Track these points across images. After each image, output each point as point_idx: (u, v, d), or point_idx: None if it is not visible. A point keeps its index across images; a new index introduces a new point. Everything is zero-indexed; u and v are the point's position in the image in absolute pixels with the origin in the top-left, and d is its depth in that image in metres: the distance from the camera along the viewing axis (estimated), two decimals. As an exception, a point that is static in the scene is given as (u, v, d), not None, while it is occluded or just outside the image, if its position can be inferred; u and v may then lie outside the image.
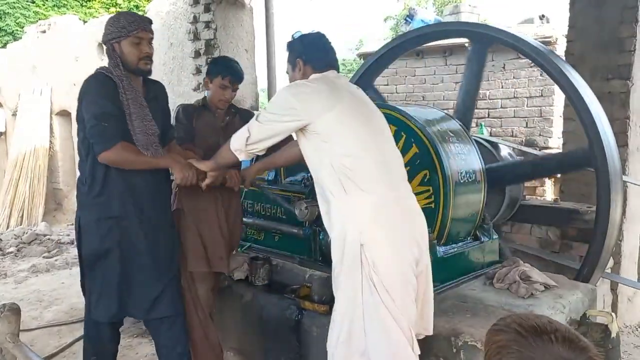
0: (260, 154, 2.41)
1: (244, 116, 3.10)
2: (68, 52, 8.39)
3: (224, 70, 2.97)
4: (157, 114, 2.63)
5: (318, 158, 2.19)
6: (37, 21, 10.68)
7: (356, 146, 2.13)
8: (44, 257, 6.40)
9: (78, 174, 2.66)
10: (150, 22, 2.58)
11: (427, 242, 2.24)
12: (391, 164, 2.22)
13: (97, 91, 2.45)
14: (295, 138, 2.37)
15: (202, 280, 2.94)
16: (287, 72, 2.45)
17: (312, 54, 2.35)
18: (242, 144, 2.30)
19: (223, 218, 2.98)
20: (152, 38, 2.59)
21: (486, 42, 3.68)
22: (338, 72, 2.39)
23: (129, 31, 2.48)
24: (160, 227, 2.62)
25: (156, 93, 2.73)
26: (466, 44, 7.35)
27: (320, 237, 3.13)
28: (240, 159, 2.40)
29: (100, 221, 2.48)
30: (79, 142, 2.55)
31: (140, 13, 12.15)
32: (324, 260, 3.08)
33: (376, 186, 2.12)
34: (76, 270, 5.69)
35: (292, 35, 2.45)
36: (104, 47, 2.59)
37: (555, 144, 6.81)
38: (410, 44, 4.19)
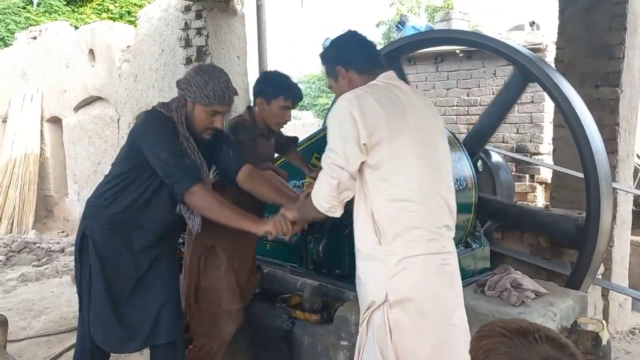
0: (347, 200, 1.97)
1: (288, 140, 3.05)
2: (59, 59, 8.36)
3: (287, 92, 2.81)
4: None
5: (360, 194, 1.89)
6: (28, 27, 10.64)
7: (409, 189, 1.84)
8: (33, 265, 6.35)
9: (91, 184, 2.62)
10: (235, 94, 2.46)
11: (461, 303, 2.00)
12: (440, 210, 1.92)
13: (168, 131, 2.37)
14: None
15: (230, 317, 2.81)
16: (331, 87, 2.16)
17: (351, 55, 2.03)
18: (336, 200, 1.89)
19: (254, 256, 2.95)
20: (228, 111, 2.50)
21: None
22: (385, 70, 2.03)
23: (210, 102, 2.38)
24: (165, 255, 2.59)
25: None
26: (457, 51, 7.40)
27: (312, 245, 3.11)
28: (336, 215, 1.96)
29: (104, 243, 2.44)
30: (119, 161, 2.50)
31: (132, 18, 12.11)
32: (316, 268, 3.07)
33: (419, 241, 1.84)
34: (66, 279, 5.66)
35: (322, 45, 2.21)
36: (178, 91, 2.46)
37: (546, 149, 6.84)
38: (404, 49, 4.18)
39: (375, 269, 1.87)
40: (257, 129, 2.88)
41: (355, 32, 2.14)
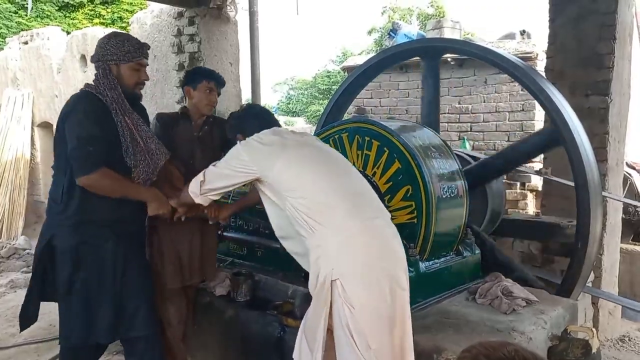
0: (214, 198, 2.47)
1: (220, 124, 3.14)
2: (50, 64, 8.32)
3: (208, 75, 3.12)
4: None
5: (282, 204, 2.24)
6: (19, 32, 10.59)
7: (309, 186, 2.19)
8: (22, 272, 6.28)
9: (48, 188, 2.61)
10: (149, 49, 2.66)
11: (403, 266, 2.21)
12: (354, 196, 2.23)
13: (85, 112, 2.41)
14: None
15: (173, 298, 3.01)
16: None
17: (247, 124, 2.55)
18: (197, 188, 2.40)
19: (198, 235, 3.04)
20: (147, 65, 2.67)
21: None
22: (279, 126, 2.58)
23: (133, 57, 2.52)
24: (136, 248, 2.63)
25: (143, 116, 2.73)
26: (449, 59, 7.44)
27: (303, 252, 3.12)
28: (196, 202, 2.45)
29: (77, 246, 2.44)
30: (56, 157, 2.52)
31: (124, 24, 12.08)
32: (307, 276, 3.06)
33: (339, 221, 2.13)
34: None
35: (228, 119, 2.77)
36: (97, 65, 2.54)
37: (537, 157, 6.88)
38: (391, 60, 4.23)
39: (319, 254, 2.11)
40: (180, 116, 3.13)
41: (251, 105, 2.84)
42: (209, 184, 2.38)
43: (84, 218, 2.45)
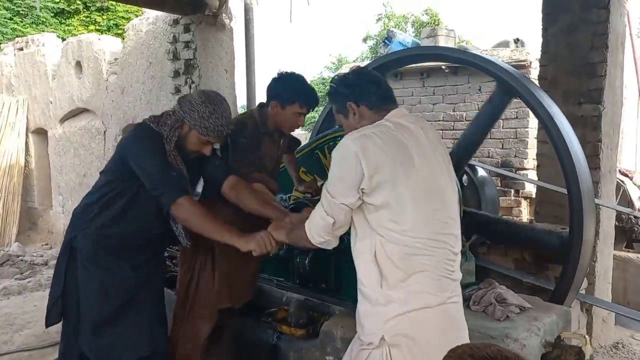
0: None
1: (290, 142, 3.02)
2: (45, 70, 8.32)
3: (303, 98, 2.76)
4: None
5: (362, 232, 1.88)
6: (14, 38, 10.58)
7: (414, 233, 1.80)
8: (16, 278, 6.26)
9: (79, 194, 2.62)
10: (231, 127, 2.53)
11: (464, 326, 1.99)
12: (446, 257, 1.88)
13: (155, 146, 2.39)
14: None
15: (210, 318, 2.78)
16: (340, 124, 2.13)
17: (362, 91, 1.99)
18: (330, 235, 1.93)
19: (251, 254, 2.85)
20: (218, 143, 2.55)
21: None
22: (396, 106, 2.01)
23: (208, 134, 2.42)
24: (153, 273, 2.61)
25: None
26: (443, 67, 7.48)
27: (298, 259, 3.11)
28: (330, 247, 2.01)
29: (101, 255, 2.45)
30: (108, 170, 2.52)
31: (120, 31, 12.10)
32: (302, 283, 3.06)
33: (416, 285, 1.81)
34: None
35: (331, 84, 2.15)
36: (175, 111, 2.46)
37: (531, 165, 6.92)
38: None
39: (374, 311, 1.86)
40: (264, 128, 2.83)
41: (364, 68, 2.15)
42: (341, 220, 1.88)
43: (109, 234, 2.45)
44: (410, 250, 1.81)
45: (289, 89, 2.76)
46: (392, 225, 1.80)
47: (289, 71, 2.88)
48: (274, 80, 2.84)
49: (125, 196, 2.44)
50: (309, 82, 2.94)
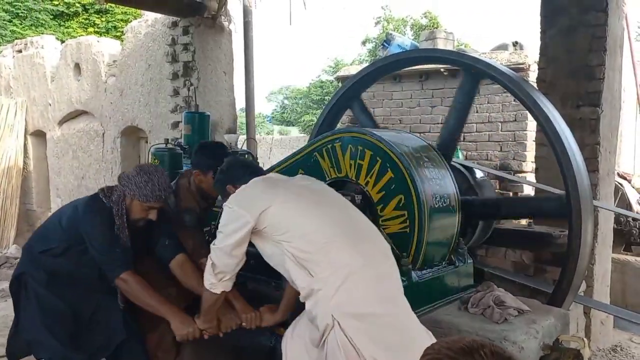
0: (231, 281, 2.43)
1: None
2: (44, 72, 8.31)
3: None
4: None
5: (279, 251, 2.25)
6: (13, 40, 10.59)
7: (305, 229, 2.21)
8: (14, 280, 6.24)
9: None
10: (170, 192, 2.84)
11: (401, 296, 2.28)
12: (353, 234, 2.26)
13: (105, 222, 2.67)
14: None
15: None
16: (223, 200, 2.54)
17: (237, 176, 2.51)
18: (213, 278, 2.35)
19: None
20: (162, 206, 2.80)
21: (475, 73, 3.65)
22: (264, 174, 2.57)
23: (148, 200, 2.66)
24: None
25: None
26: (442, 69, 7.49)
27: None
28: (218, 292, 2.41)
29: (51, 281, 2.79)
30: (61, 232, 2.80)
31: (118, 33, 12.09)
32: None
33: (337, 260, 2.14)
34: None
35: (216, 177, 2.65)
36: (118, 188, 2.73)
37: (529, 167, 6.92)
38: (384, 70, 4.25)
39: (318, 297, 2.12)
40: (196, 207, 3.10)
41: (234, 157, 2.78)
42: (221, 265, 2.33)
43: (60, 275, 2.81)
44: (317, 243, 2.17)
45: (210, 156, 3.03)
46: (289, 235, 2.21)
47: (209, 141, 3.32)
48: (195, 150, 3.16)
49: (74, 252, 2.75)
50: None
